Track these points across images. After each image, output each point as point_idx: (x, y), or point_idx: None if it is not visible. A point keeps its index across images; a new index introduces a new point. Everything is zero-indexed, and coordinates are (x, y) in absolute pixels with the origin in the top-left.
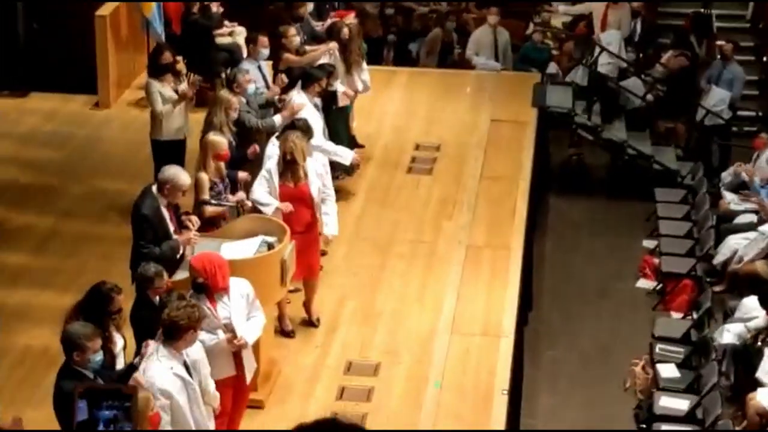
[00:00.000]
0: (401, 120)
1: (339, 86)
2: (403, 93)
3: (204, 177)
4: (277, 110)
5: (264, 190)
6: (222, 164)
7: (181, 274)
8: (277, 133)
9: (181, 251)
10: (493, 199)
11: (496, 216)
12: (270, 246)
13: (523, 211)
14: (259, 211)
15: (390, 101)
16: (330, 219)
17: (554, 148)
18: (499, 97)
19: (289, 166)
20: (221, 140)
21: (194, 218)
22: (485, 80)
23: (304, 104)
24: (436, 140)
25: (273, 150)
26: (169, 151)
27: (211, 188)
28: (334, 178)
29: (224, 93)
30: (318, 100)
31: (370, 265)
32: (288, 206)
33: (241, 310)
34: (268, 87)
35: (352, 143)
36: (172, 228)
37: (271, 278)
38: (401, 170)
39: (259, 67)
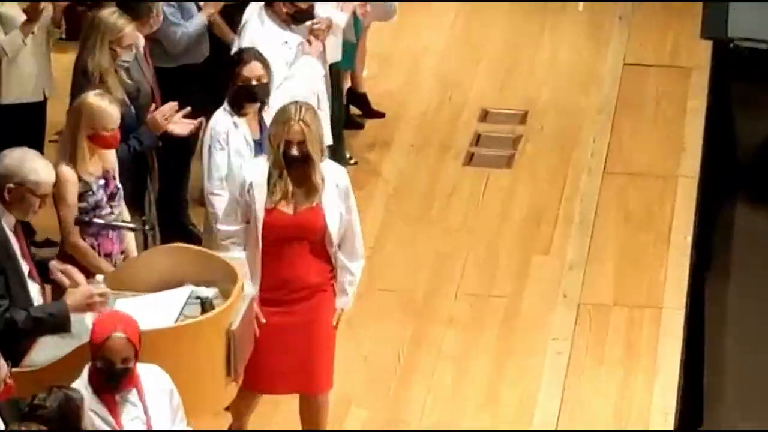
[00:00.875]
0: (455, 67)
1: (331, 9)
2: (457, 18)
3: (69, 174)
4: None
5: (230, 215)
6: (108, 152)
7: (39, 355)
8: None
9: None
10: (628, 215)
11: (634, 246)
12: (206, 304)
13: (685, 235)
14: (190, 240)
15: (434, 32)
16: (350, 281)
17: (745, 119)
18: (639, 22)
19: (295, 169)
20: (106, 107)
21: (74, 271)
22: None
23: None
24: (519, 104)
25: (221, 121)
26: (15, 124)
27: (82, 195)
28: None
29: (107, 12)
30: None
31: (395, 340)
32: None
33: (164, 417)
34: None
35: (362, 108)
36: (26, 269)
37: (207, 367)
38: (454, 159)
39: None
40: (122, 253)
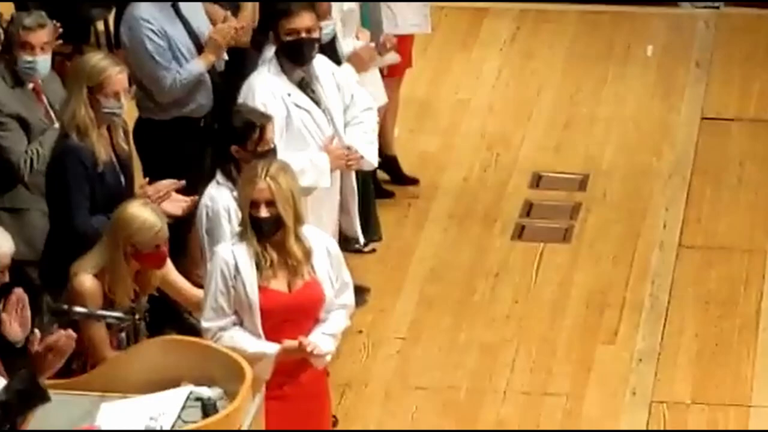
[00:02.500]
0: (502, 124)
1: (350, 41)
2: (504, 66)
3: (94, 288)
4: None
5: (222, 301)
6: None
7: None
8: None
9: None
10: (709, 296)
11: (716, 333)
12: (208, 407)
13: None
14: (186, 331)
15: (477, 82)
16: (331, 328)
17: None
18: (718, 70)
19: (267, 235)
20: (150, 219)
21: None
22: (687, 24)
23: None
24: (577, 167)
25: (218, 199)
26: None
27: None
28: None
29: (89, 55)
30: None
31: None
32: (294, 345)
33: None
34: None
35: (392, 174)
36: None
37: None
38: (502, 233)
39: None
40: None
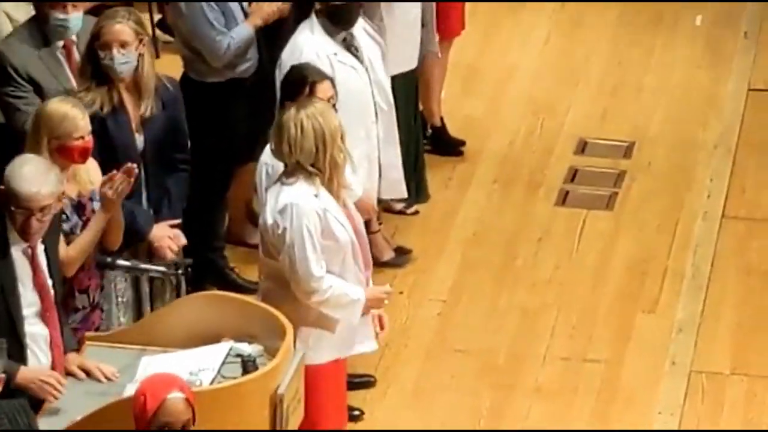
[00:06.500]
0: (548, 90)
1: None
2: (552, 32)
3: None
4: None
5: (319, 248)
6: (84, 168)
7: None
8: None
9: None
10: (750, 267)
11: (757, 304)
12: (248, 364)
13: None
14: (229, 287)
15: (524, 49)
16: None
17: None
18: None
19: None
20: (67, 111)
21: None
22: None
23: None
24: (623, 134)
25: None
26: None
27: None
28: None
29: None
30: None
31: (471, 411)
32: (382, 291)
33: None
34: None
35: (438, 137)
36: (35, 303)
37: None
38: (545, 199)
39: None
40: (101, 289)
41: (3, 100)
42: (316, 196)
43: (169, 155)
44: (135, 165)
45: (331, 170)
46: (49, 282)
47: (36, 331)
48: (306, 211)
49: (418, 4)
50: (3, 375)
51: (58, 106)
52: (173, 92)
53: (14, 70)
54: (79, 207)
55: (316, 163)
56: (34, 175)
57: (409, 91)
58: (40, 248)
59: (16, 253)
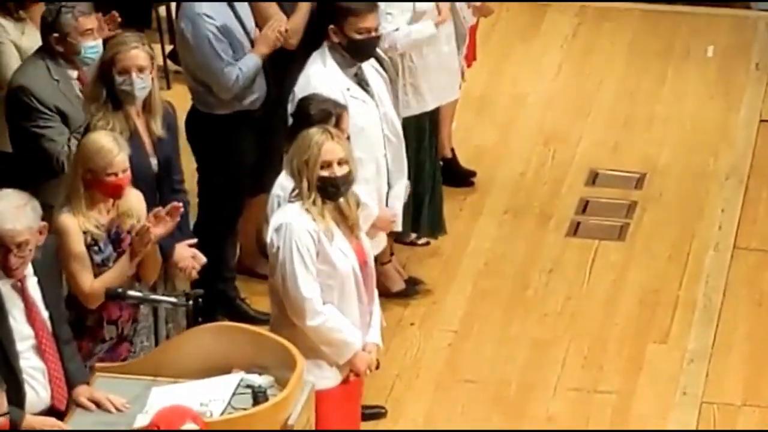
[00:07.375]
0: (560, 120)
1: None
2: (564, 62)
3: (69, 223)
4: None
5: (313, 271)
6: (126, 200)
7: None
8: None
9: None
10: (762, 298)
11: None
12: (259, 395)
13: None
14: (239, 317)
15: (536, 78)
16: (374, 318)
17: None
18: None
19: (333, 204)
20: (108, 145)
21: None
22: (748, 26)
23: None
24: (634, 165)
25: (289, 188)
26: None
27: (87, 251)
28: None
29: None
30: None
31: None
32: (371, 359)
33: None
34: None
35: (449, 168)
36: (30, 337)
37: None
38: (556, 229)
39: None
40: (133, 321)
41: (31, 132)
42: (314, 219)
43: (171, 177)
44: (181, 204)
45: (315, 195)
46: (45, 315)
47: (33, 365)
48: (297, 230)
49: (453, 38)
50: (7, 415)
51: (96, 138)
52: (172, 114)
53: (39, 102)
54: (116, 239)
55: (300, 184)
56: (9, 211)
57: (421, 126)
58: (32, 281)
59: (5, 287)
